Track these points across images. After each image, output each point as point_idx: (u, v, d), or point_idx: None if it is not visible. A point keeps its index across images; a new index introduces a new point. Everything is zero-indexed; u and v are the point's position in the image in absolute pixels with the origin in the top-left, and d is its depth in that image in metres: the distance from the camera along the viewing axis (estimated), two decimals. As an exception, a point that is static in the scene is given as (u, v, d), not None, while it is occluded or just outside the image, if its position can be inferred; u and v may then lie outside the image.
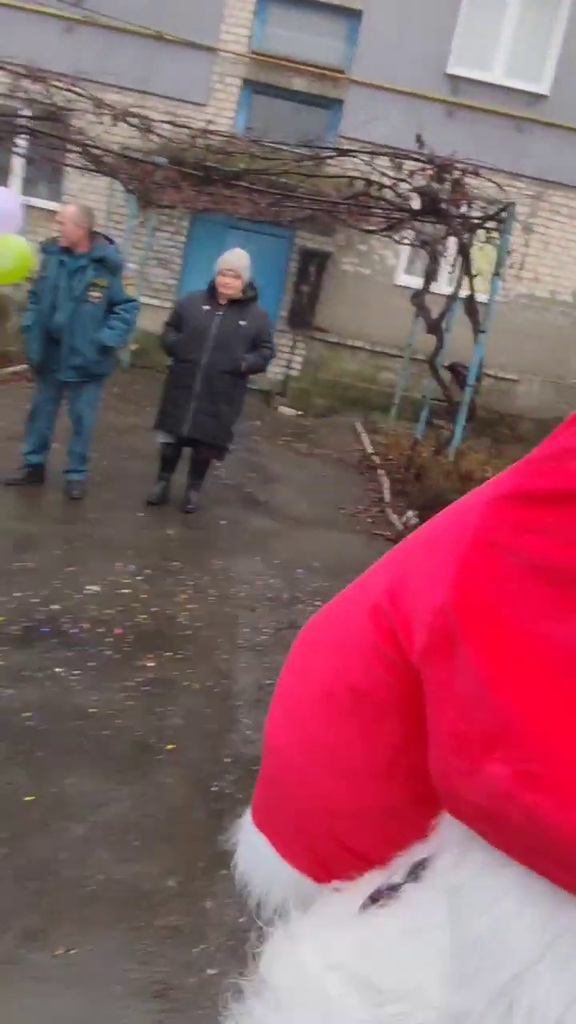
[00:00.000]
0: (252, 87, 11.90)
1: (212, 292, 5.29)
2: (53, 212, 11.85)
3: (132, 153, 9.40)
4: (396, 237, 8.70)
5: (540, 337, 12.50)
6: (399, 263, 12.38)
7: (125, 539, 5.05)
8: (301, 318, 12.32)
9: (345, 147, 7.37)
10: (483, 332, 6.69)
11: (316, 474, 8.29)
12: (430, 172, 6.55)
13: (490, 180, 6.59)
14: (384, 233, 8.40)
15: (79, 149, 8.71)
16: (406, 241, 8.88)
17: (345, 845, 0.87)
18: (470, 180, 6.49)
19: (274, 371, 12.79)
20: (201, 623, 4.16)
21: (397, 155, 6.28)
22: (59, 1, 10.53)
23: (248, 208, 8.46)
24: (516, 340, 12.42)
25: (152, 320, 10.59)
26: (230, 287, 5.18)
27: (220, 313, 5.22)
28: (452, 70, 11.60)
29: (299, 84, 11.77)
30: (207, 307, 5.26)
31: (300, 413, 11.94)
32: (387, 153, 6.38)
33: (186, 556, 4.99)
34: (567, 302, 12.46)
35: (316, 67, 11.63)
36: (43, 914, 2.15)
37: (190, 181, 8.51)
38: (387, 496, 7.23)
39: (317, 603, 4.82)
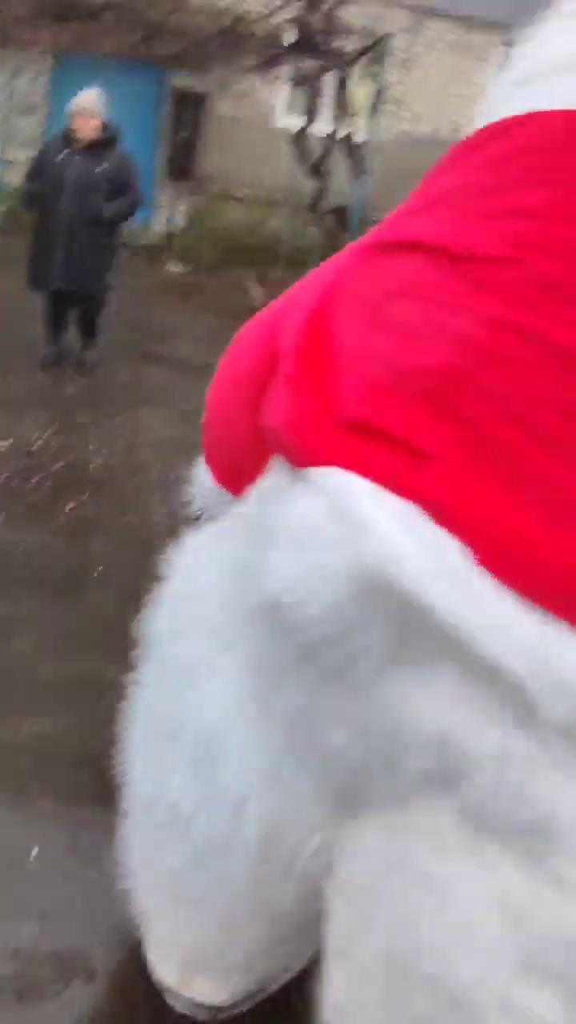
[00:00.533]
0: None
1: (67, 137, 5.17)
2: None
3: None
4: (273, 75, 8.45)
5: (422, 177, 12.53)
6: (280, 104, 11.98)
7: (27, 399, 5.16)
8: (181, 167, 11.90)
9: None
10: (364, 174, 6.77)
11: (205, 327, 8.37)
12: (302, 3, 6.39)
13: (366, 10, 6.48)
14: (259, 70, 8.16)
15: None
16: (282, 79, 8.64)
17: (238, 467, 1.38)
18: (344, 11, 6.37)
19: (157, 226, 12.45)
20: (113, 469, 4.42)
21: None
22: None
23: (113, 45, 8.00)
24: (399, 180, 12.37)
25: (17, 174, 10.06)
26: (84, 129, 5.07)
27: (76, 158, 5.10)
28: None
29: None
30: (63, 153, 5.14)
31: (188, 269, 11.76)
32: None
33: (90, 411, 5.16)
34: (448, 140, 12.43)
35: None
36: (3, 703, 2.52)
37: (49, 16, 7.95)
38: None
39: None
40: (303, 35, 6.39)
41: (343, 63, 6.73)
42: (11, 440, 4.41)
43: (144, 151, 12.17)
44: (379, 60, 6.67)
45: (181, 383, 6.21)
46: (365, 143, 6.87)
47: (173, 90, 11.62)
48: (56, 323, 5.80)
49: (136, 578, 3.29)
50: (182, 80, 11.50)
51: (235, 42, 6.99)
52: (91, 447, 4.62)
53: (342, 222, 7.41)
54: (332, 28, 6.04)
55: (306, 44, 6.41)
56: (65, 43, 9.12)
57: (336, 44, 6.56)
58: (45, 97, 11.60)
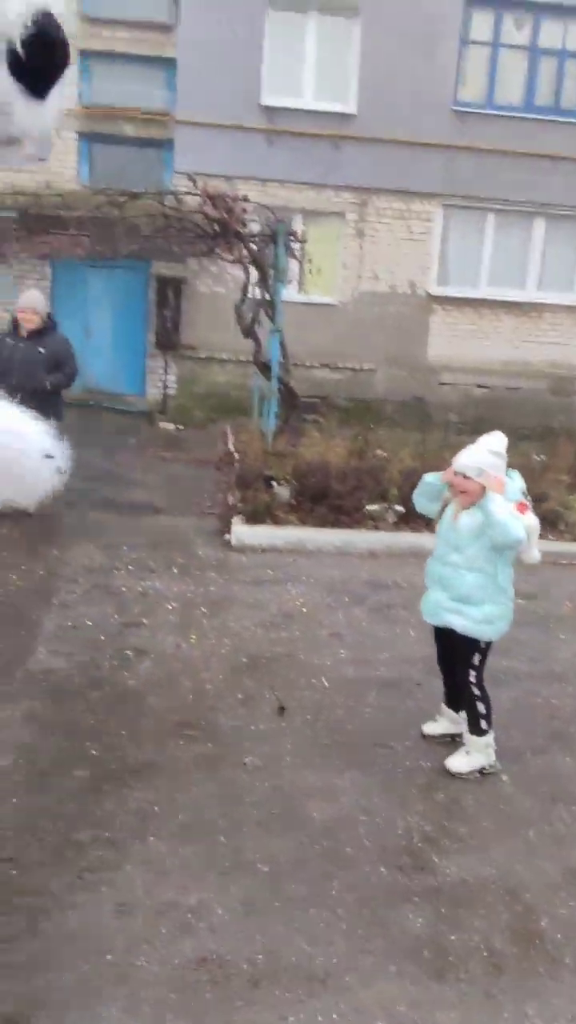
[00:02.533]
0: (88, 138, 13.00)
1: (15, 327, 6.29)
2: None
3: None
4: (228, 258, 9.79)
5: (387, 328, 13.74)
6: (251, 279, 13.52)
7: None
8: (167, 339, 13.37)
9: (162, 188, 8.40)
10: (278, 330, 7.80)
11: (173, 475, 9.31)
12: (217, 200, 7.67)
13: (262, 204, 7.72)
14: (204, 255, 9.51)
15: None
16: (228, 259, 9.97)
17: None
18: (256, 202, 7.62)
19: (152, 391, 13.84)
20: (25, 592, 5.16)
21: (176, 193, 7.39)
22: None
23: (81, 250, 9.49)
24: (367, 333, 13.66)
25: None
26: (30, 322, 6.19)
27: (22, 344, 6.20)
28: (266, 101, 12.82)
29: (130, 130, 12.90)
30: (11, 340, 6.24)
31: (180, 427, 12.96)
32: (172, 192, 7.48)
33: (22, 548, 5.95)
34: (406, 293, 13.74)
35: (144, 113, 12.78)
36: None
37: (36, 232, 9.52)
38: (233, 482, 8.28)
39: (131, 568, 5.87)
40: (223, 226, 7.60)
41: (256, 244, 7.91)
42: None
43: (137, 330, 13.83)
44: (279, 241, 7.81)
45: (120, 521, 7.04)
46: (279, 304, 7.91)
47: (156, 277, 13.30)
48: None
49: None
50: (163, 267, 13.20)
51: (167, 236, 8.25)
52: (11, 577, 5.39)
53: (266, 372, 8.37)
54: (230, 219, 7.20)
55: (221, 233, 7.61)
56: (59, 252, 10.74)
57: (246, 230, 7.75)
58: (47, 296, 13.40)
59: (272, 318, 7.91)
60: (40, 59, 1.38)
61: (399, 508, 6.89)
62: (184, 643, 4.75)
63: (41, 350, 6.19)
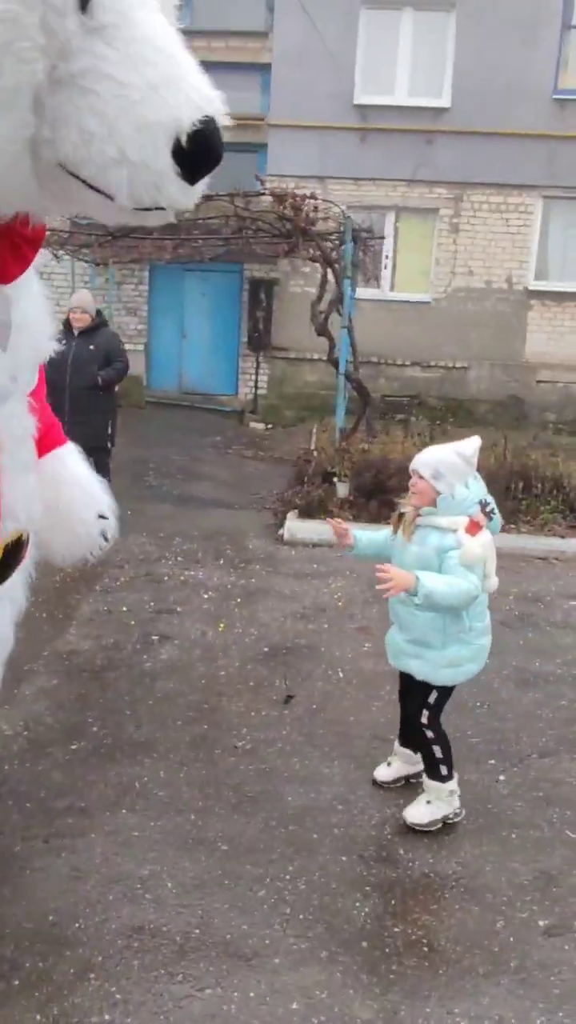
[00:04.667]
0: (185, 146, 13.39)
1: (68, 327, 6.57)
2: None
3: (84, 219, 10.91)
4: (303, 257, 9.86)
5: (483, 325, 13.40)
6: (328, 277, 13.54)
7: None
8: (259, 340, 13.58)
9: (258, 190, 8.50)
10: (344, 328, 7.78)
11: (248, 472, 9.46)
12: (292, 202, 7.75)
13: (327, 200, 7.72)
14: (285, 255, 9.62)
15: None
16: (305, 258, 10.02)
17: None
18: (319, 202, 7.65)
19: (244, 391, 14.10)
20: (73, 578, 5.39)
21: (247, 194, 7.51)
22: None
23: (166, 253, 9.80)
24: (461, 330, 13.38)
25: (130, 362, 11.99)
26: (80, 320, 6.45)
27: (75, 343, 6.47)
28: (359, 100, 12.81)
29: (225, 136, 13.15)
30: (64, 340, 6.50)
31: (269, 426, 13.14)
32: (245, 194, 7.61)
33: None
34: (503, 288, 13.35)
35: (237, 118, 13.00)
36: None
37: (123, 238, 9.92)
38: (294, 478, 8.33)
39: (179, 559, 6.02)
40: (296, 227, 7.66)
41: (328, 245, 7.93)
42: None
43: (230, 331, 14.13)
44: (351, 239, 7.78)
45: (177, 513, 7.23)
46: (348, 301, 7.89)
47: (249, 279, 13.54)
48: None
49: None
50: (255, 270, 13.42)
51: (248, 238, 8.41)
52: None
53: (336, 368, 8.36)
54: (300, 219, 7.25)
55: (293, 232, 7.67)
56: (158, 256, 11.13)
57: (314, 228, 7.77)
58: (145, 300, 13.91)
59: (341, 314, 7.89)
60: (199, 154, 1.66)
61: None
62: (211, 631, 4.84)
63: (92, 347, 6.43)
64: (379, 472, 6.99)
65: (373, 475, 7.00)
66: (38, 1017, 2.20)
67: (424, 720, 3.10)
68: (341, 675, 4.36)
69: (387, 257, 10.71)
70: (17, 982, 2.32)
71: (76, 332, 6.51)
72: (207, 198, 8.34)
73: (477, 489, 3.01)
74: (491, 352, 13.44)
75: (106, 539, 2.79)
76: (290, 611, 5.19)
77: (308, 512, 6.80)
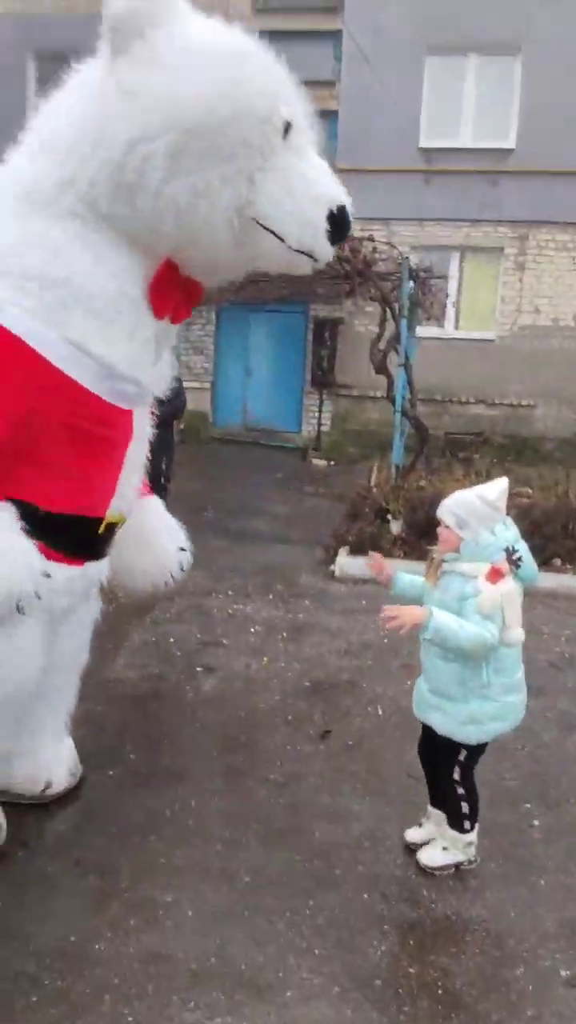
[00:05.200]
0: (254, 192, 13.80)
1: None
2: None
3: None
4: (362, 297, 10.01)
5: (550, 363, 13.28)
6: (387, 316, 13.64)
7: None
8: (323, 378, 13.76)
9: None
10: (400, 366, 7.85)
11: (307, 508, 9.55)
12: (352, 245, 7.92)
13: (385, 243, 7.84)
14: (347, 296, 9.79)
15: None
16: (366, 298, 10.16)
17: None
18: (377, 244, 7.80)
19: (307, 427, 14.26)
20: (126, 608, 5.53)
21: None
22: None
23: (233, 295, 10.07)
24: (527, 368, 13.29)
25: (194, 400, 12.29)
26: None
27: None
28: (424, 144, 13.02)
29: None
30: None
31: (331, 463, 13.24)
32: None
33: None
34: (570, 326, 13.23)
35: (305, 165, 13.36)
36: None
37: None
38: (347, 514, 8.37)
39: (230, 593, 6.12)
40: (354, 269, 7.81)
41: (388, 285, 8.06)
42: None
43: (295, 369, 14.36)
44: (408, 279, 7.89)
45: (232, 548, 7.34)
46: (404, 340, 7.97)
47: (314, 319, 13.77)
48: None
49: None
50: (320, 310, 13.64)
51: (323, 277, 8.59)
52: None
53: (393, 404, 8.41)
54: (359, 261, 7.40)
55: (353, 273, 7.83)
56: (223, 298, 11.46)
57: (379, 270, 7.92)
58: (212, 339, 14.28)
59: (398, 352, 7.97)
60: (341, 221, 2.60)
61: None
62: (255, 664, 4.90)
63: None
64: (433, 510, 6.95)
65: (427, 513, 6.97)
66: (52, 1034, 2.27)
67: (456, 777, 3.01)
68: (380, 712, 4.35)
69: (448, 296, 10.79)
70: (35, 999, 2.39)
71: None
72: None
73: (505, 535, 2.88)
74: (558, 390, 13.29)
75: (182, 568, 3.41)
76: (335, 647, 5.21)
77: (360, 549, 6.81)
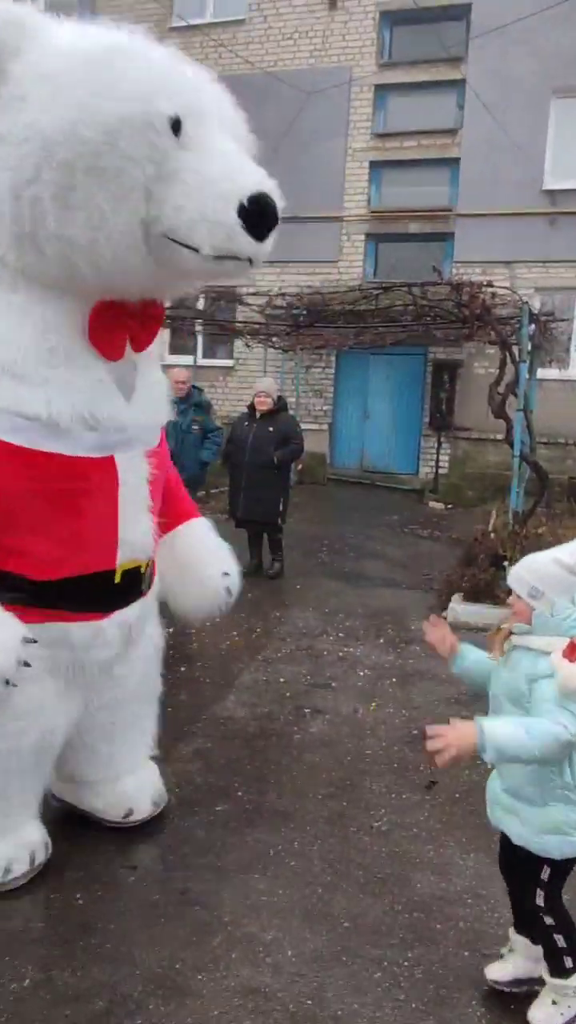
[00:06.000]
0: (374, 239, 14.07)
1: (252, 409, 7.09)
2: (228, 368, 14.59)
3: (276, 311, 11.66)
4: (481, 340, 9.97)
5: None
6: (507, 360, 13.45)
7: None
8: (441, 420, 13.73)
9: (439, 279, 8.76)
10: (519, 410, 7.76)
11: (421, 551, 9.51)
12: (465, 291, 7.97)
13: (504, 287, 7.83)
14: (466, 339, 9.80)
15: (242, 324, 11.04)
16: (486, 341, 10.10)
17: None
18: (496, 289, 7.81)
19: (425, 470, 14.21)
20: (238, 647, 5.71)
21: (424, 284, 7.83)
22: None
23: (351, 340, 10.29)
24: None
25: (312, 442, 12.55)
26: (263, 404, 6.97)
27: (256, 424, 6.97)
28: (548, 186, 12.92)
29: (414, 228, 13.73)
30: (247, 422, 7.06)
31: (449, 506, 13.13)
32: (423, 284, 7.94)
33: (251, 609, 6.57)
34: None
35: (427, 211, 13.54)
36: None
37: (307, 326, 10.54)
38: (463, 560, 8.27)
39: (340, 635, 6.19)
40: (472, 313, 7.85)
41: (507, 329, 8.03)
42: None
43: (413, 412, 14.41)
44: (528, 322, 7.84)
45: (345, 590, 7.41)
46: (523, 383, 7.90)
47: (433, 362, 13.80)
48: (253, 541, 7.47)
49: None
50: (439, 353, 13.66)
51: (427, 324, 8.70)
52: (231, 634, 5.99)
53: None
54: (474, 305, 7.43)
55: (468, 318, 7.86)
56: (342, 343, 11.72)
57: (499, 314, 7.92)
58: (331, 382, 14.55)
59: (516, 397, 7.90)
60: (256, 213, 2.29)
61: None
62: (362, 708, 4.93)
63: (271, 428, 6.91)
64: (550, 557, 6.81)
65: (543, 560, 6.83)
66: (154, 1058, 2.37)
67: (541, 902, 2.49)
68: (490, 766, 4.28)
69: (570, 338, 10.60)
70: (140, 1021, 2.51)
71: (258, 415, 7.01)
72: (385, 289, 8.81)
73: None
74: None
75: (230, 593, 3.28)
76: (444, 695, 5.17)
77: (474, 595, 6.74)
